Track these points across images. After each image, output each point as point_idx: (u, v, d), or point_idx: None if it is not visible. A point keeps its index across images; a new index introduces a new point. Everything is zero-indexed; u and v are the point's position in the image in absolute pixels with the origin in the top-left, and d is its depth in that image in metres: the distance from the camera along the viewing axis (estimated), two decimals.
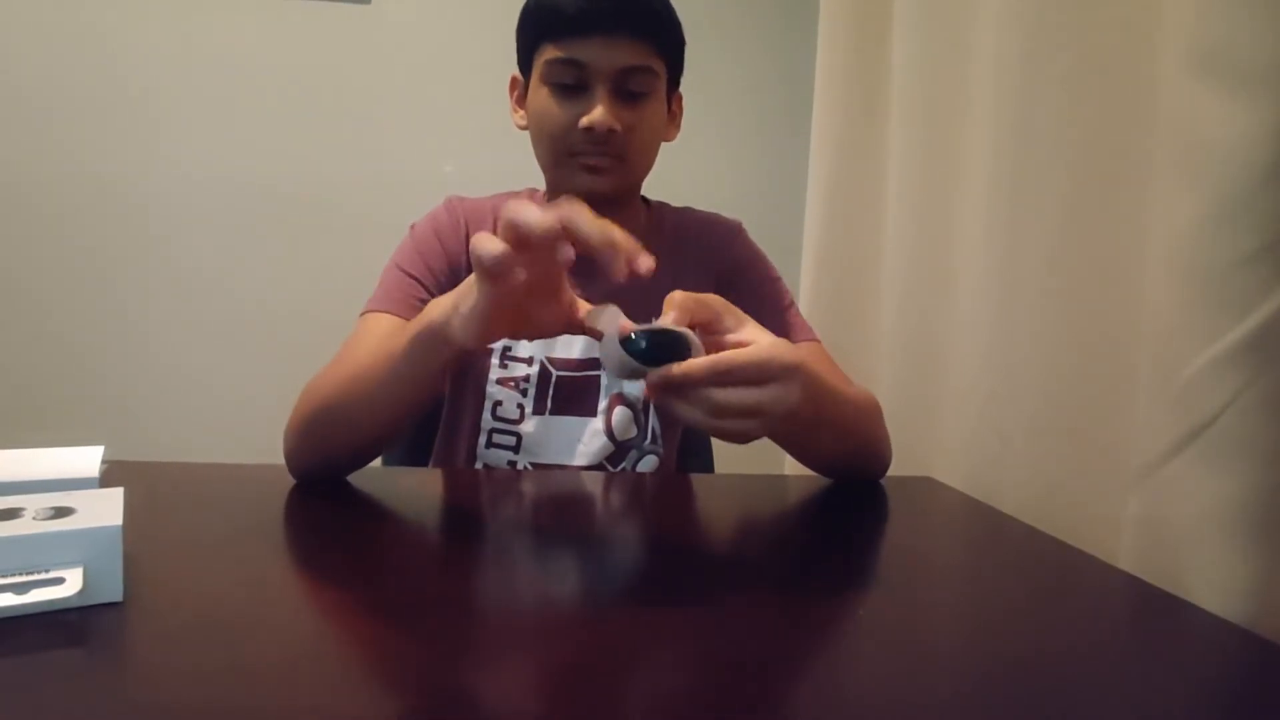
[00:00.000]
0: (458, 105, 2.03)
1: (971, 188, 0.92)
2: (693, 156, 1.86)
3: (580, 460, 0.91)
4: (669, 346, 0.54)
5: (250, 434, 2.01)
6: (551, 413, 0.91)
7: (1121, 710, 0.40)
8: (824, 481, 0.84)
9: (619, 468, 0.92)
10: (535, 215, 0.50)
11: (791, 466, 0.99)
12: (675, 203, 1.00)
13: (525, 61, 0.89)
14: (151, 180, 1.97)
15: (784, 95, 2.10)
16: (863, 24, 1.21)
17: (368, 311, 0.85)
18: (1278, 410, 0.55)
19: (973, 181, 0.91)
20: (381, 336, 0.78)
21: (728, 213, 1.00)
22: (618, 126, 0.83)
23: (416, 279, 0.87)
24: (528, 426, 0.91)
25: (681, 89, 0.93)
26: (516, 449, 0.91)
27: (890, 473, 0.86)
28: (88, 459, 0.60)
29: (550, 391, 0.91)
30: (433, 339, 0.60)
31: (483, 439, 0.92)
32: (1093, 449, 0.74)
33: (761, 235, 1.00)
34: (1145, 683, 0.43)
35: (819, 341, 0.93)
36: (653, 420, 0.93)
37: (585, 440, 0.91)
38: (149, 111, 1.95)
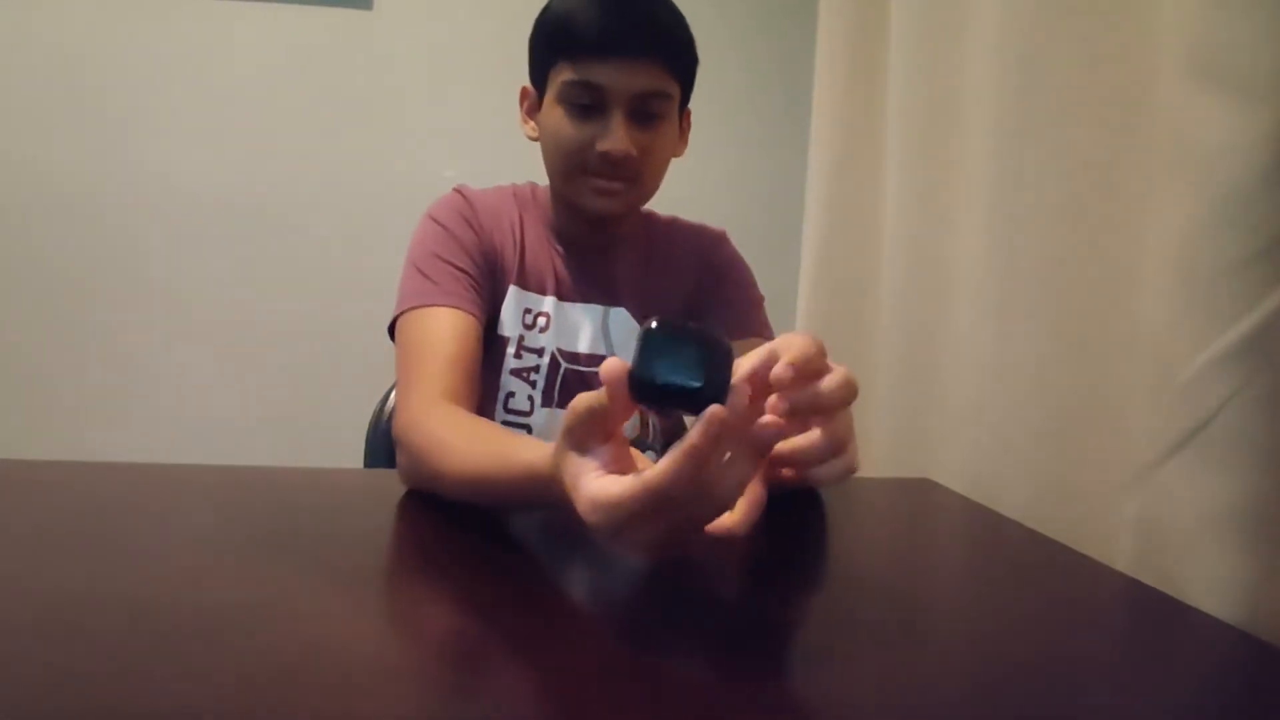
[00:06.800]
0: (458, 111, 2.04)
1: (970, 190, 0.92)
2: (690, 160, 1.84)
3: None
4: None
5: (258, 440, 2.02)
6: (559, 405, 0.91)
7: (1119, 712, 0.40)
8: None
9: None
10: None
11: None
12: (674, 207, 1.01)
13: (539, 76, 0.88)
14: (151, 187, 1.97)
15: (782, 100, 2.11)
16: (860, 29, 1.21)
17: (420, 306, 0.82)
18: (1275, 411, 0.55)
19: (971, 184, 0.92)
20: (475, 430, 0.70)
21: (726, 217, 1.01)
22: (634, 152, 0.83)
23: (462, 269, 0.85)
24: (537, 419, 0.91)
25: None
26: None
27: (889, 474, 0.86)
28: None
29: (558, 384, 0.91)
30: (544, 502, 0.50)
31: None
32: (1090, 451, 0.74)
33: (759, 240, 1.01)
34: (1143, 684, 0.43)
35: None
36: (653, 419, 0.94)
37: None
38: (150, 118, 1.95)
